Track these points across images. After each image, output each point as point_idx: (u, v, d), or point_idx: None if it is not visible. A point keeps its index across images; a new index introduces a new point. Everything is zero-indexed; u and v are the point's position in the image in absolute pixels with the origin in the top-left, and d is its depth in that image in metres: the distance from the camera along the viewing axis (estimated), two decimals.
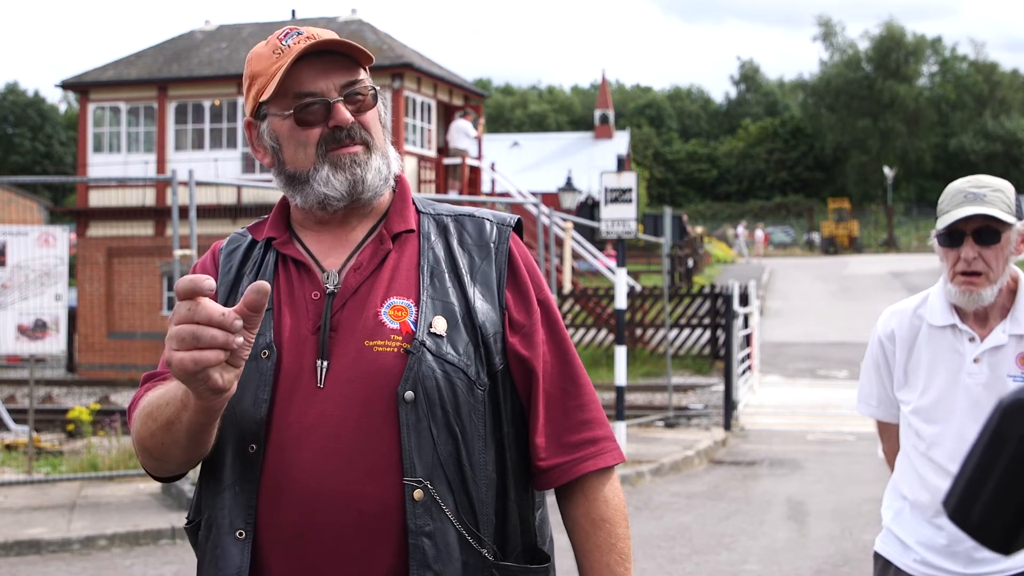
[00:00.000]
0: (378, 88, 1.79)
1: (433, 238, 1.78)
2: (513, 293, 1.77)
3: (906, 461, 2.86)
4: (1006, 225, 2.66)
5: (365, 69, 1.77)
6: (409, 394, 1.62)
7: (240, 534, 1.65)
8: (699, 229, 48.92)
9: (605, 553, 1.75)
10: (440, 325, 1.68)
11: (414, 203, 1.83)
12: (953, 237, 2.69)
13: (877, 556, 2.94)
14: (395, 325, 1.67)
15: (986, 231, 2.65)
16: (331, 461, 1.62)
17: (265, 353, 1.68)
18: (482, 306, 1.72)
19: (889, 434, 3.00)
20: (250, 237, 1.84)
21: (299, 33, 1.73)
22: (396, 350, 1.65)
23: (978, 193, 2.66)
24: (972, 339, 2.74)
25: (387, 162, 1.77)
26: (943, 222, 2.68)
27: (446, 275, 1.73)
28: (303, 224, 1.81)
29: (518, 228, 1.85)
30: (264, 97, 1.72)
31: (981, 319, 2.75)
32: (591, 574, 1.77)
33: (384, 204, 1.81)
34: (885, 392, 2.92)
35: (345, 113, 1.72)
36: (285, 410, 1.66)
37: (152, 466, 1.73)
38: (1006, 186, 2.71)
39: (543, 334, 1.77)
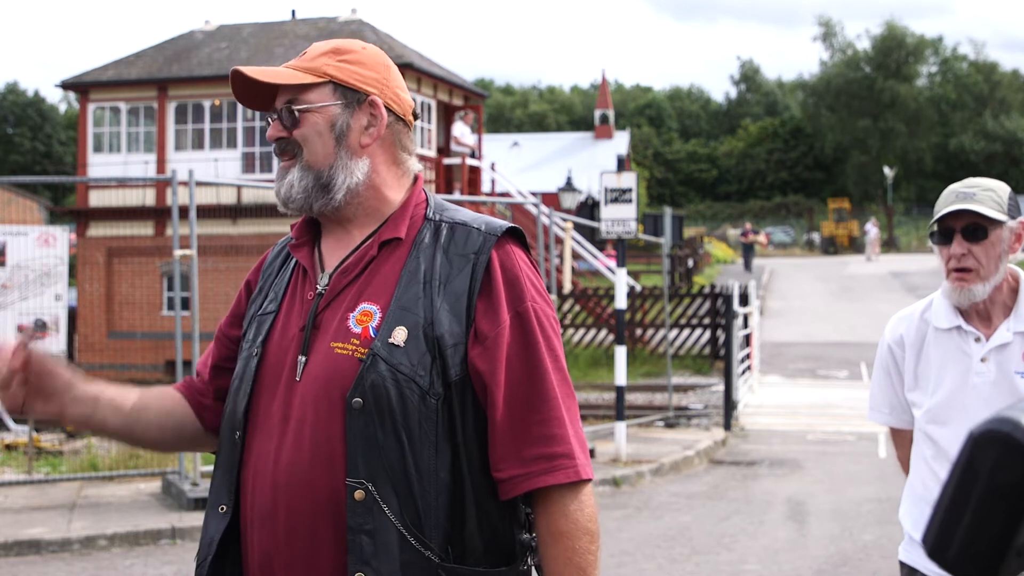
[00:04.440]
0: (311, 106, 1.86)
1: (424, 246, 1.84)
2: (484, 304, 1.79)
3: (924, 466, 2.86)
4: (994, 223, 2.70)
5: (339, 82, 1.87)
6: (357, 400, 1.72)
7: (222, 508, 1.85)
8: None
9: (560, 566, 1.77)
10: (399, 335, 1.74)
11: (428, 208, 1.90)
12: (944, 235, 2.75)
13: (902, 564, 2.94)
14: (357, 329, 1.77)
15: (973, 227, 2.70)
16: (295, 451, 1.76)
17: (255, 352, 1.88)
18: (445, 317, 1.76)
19: (903, 440, 3.01)
20: None
21: (304, 54, 1.93)
22: (352, 354, 1.76)
23: (968, 192, 2.72)
24: (978, 339, 2.77)
25: (310, 174, 1.86)
26: (934, 220, 2.76)
27: (421, 285, 1.79)
28: (325, 224, 1.95)
29: (515, 235, 1.88)
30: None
31: (985, 319, 2.79)
32: None
33: (390, 209, 1.90)
34: (897, 398, 2.94)
35: (270, 130, 1.89)
36: (268, 401, 1.83)
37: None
38: (999, 187, 2.76)
39: (512, 346, 1.78)
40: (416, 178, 1.95)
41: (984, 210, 2.67)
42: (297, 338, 1.83)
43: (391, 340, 1.74)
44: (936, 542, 0.85)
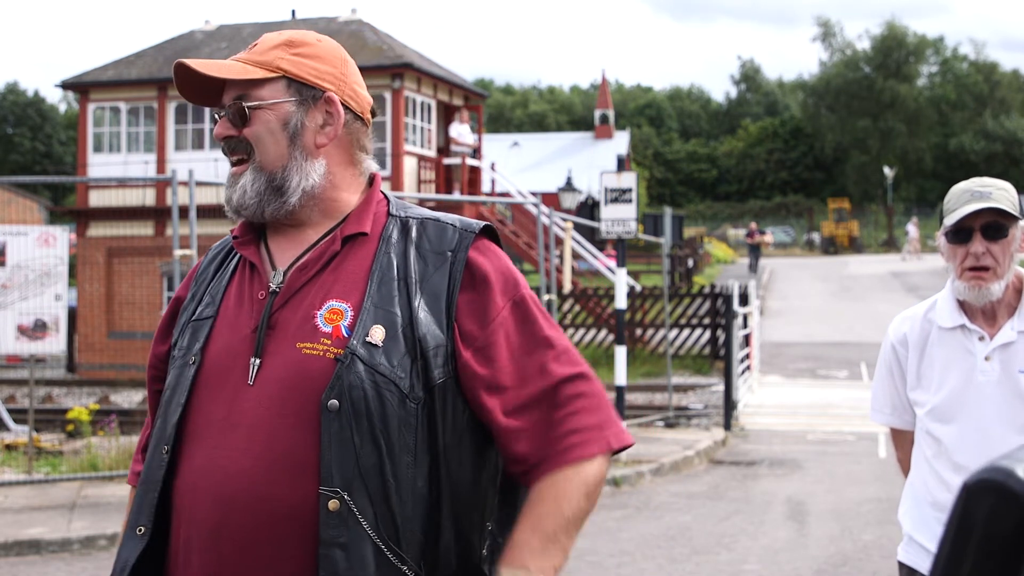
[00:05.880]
0: (263, 103, 1.74)
1: (394, 242, 1.74)
2: (467, 304, 1.70)
3: (925, 466, 2.85)
4: (1012, 220, 2.72)
5: (294, 78, 1.75)
6: (333, 403, 1.60)
7: (140, 530, 1.71)
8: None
9: (546, 504, 1.65)
10: (377, 334, 1.64)
11: (388, 205, 1.81)
12: (961, 234, 2.74)
13: (901, 565, 2.94)
14: (327, 328, 1.65)
15: (994, 226, 2.71)
16: (246, 461, 1.63)
17: (192, 359, 1.73)
18: (425, 317, 1.67)
19: (904, 442, 3.01)
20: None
21: (255, 46, 1.79)
22: (323, 354, 1.63)
23: (984, 191, 2.73)
24: (982, 338, 2.78)
25: (263, 176, 1.74)
26: (952, 219, 2.73)
27: (395, 282, 1.69)
28: (271, 223, 1.83)
29: (488, 234, 1.79)
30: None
31: (989, 318, 2.79)
32: (517, 528, 1.67)
33: (347, 210, 1.78)
34: (899, 399, 2.94)
35: (218, 128, 1.77)
36: (208, 409, 1.69)
37: None
38: (1008, 186, 2.79)
39: (515, 337, 1.70)
40: (373, 178, 1.84)
41: (1005, 207, 2.69)
42: (249, 340, 1.69)
43: (368, 339, 1.63)
44: None
